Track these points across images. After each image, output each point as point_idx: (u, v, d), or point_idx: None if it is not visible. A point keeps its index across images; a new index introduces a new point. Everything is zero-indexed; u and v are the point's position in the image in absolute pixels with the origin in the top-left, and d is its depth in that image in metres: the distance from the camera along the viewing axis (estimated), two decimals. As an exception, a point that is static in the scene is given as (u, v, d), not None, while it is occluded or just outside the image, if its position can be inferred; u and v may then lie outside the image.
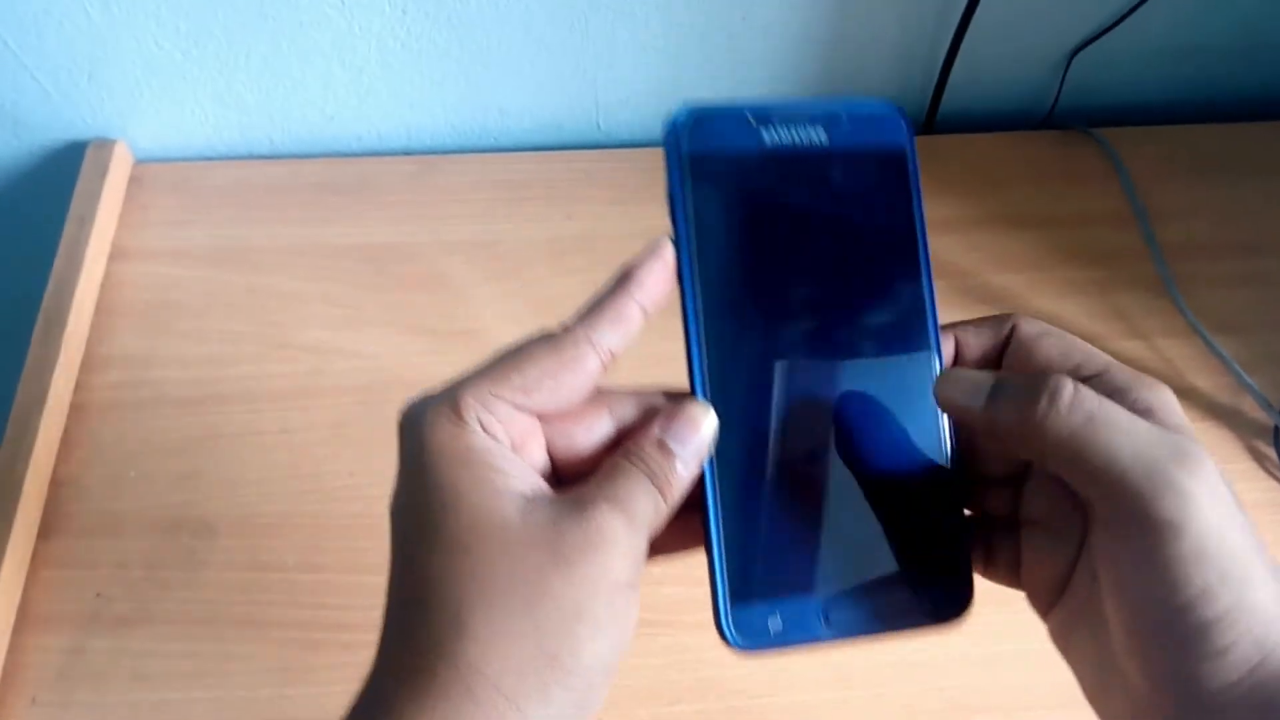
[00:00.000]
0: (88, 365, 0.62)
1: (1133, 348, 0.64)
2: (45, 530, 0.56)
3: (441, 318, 0.64)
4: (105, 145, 0.69)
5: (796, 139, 0.31)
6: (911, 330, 0.31)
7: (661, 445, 0.28)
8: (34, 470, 0.56)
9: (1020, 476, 0.32)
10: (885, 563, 0.31)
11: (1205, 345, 0.63)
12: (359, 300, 0.65)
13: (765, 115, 0.30)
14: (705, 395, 0.30)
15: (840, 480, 0.30)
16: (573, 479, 0.29)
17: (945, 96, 0.72)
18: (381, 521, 0.60)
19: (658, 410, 0.30)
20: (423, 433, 0.27)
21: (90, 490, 0.57)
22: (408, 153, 0.74)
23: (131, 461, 0.58)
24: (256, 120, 0.71)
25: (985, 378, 0.30)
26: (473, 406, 0.27)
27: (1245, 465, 0.60)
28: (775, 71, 0.71)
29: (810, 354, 0.31)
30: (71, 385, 0.60)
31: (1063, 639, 0.30)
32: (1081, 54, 0.72)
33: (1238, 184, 0.71)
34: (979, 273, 0.67)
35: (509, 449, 0.27)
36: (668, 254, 0.30)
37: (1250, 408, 0.61)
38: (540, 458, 0.29)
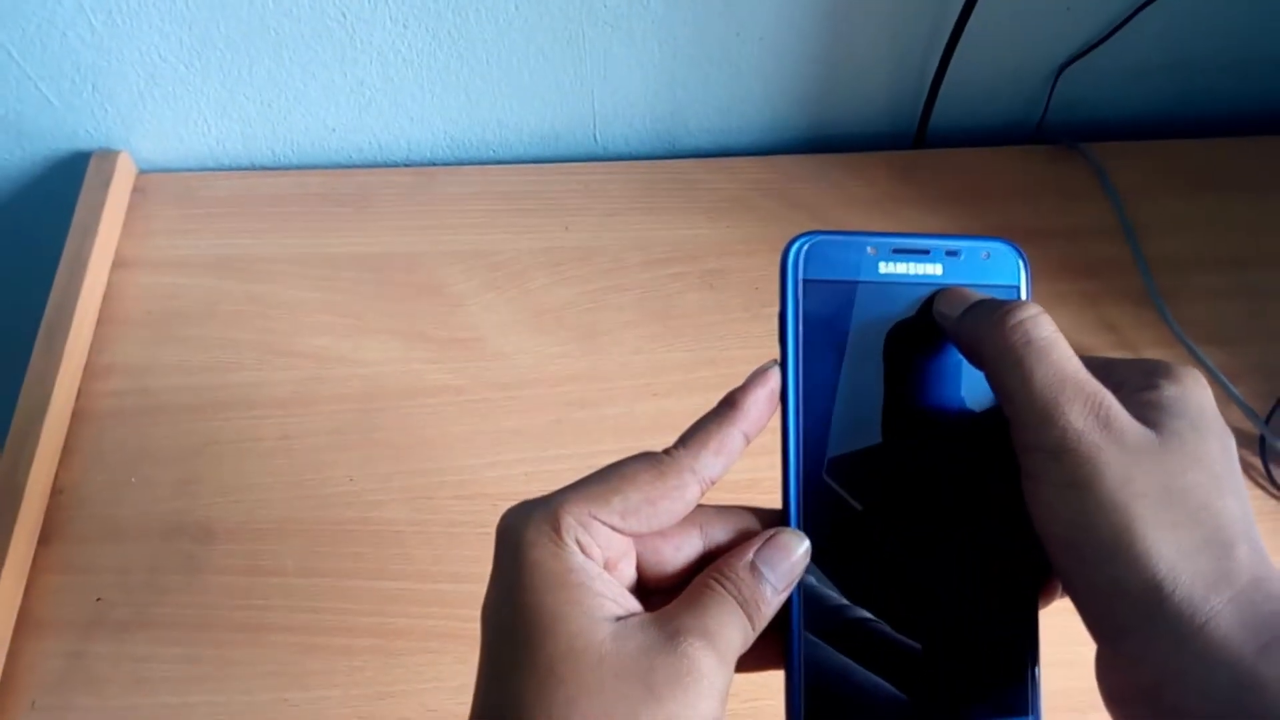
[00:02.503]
0: (89, 373, 0.62)
1: (1121, 359, 0.65)
2: (46, 536, 0.56)
3: (440, 326, 0.65)
4: (108, 155, 0.70)
5: (912, 272, 0.31)
6: (1014, 474, 0.30)
7: (753, 569, 0.28)
8: (35, 476, 0.57)
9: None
10: (964, 697, 0.30)
11: (1192, 356, 0.64)
12: (359, 309, 0.65)
13: (884, 247, 0.31)
14: (799, 522, 0.30)
15: (925, 615, 0.30)
16: (659, 591, 0.30)
17: (935, 110, 0.73)
18: (378, 526, 0.61)
19: (748, 532, 0.30)
20: (522, 548, 0.28)
21: (91, 496, 0.58)
22: (408, 164, 0.75)
23: (132, 468, 0.59)
24: (259, 131, 0.72)
25: (973, 295, 0.31)
26: (572, 527, 0.28)
27: (1231, 475, 0.60)
28: (769, 86, 0.72)
29: (909, 488, 0.31)
30: (73, 393, 0.61)
31: None
32: (1070, 69, 0.73)
33: (1224, 198, 0.72)
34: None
35: (603, 569, 0.28)
36: (774, 382, 0.30)
37: (1237, 418, 0.62)
38: (630, 574, 0.30)
